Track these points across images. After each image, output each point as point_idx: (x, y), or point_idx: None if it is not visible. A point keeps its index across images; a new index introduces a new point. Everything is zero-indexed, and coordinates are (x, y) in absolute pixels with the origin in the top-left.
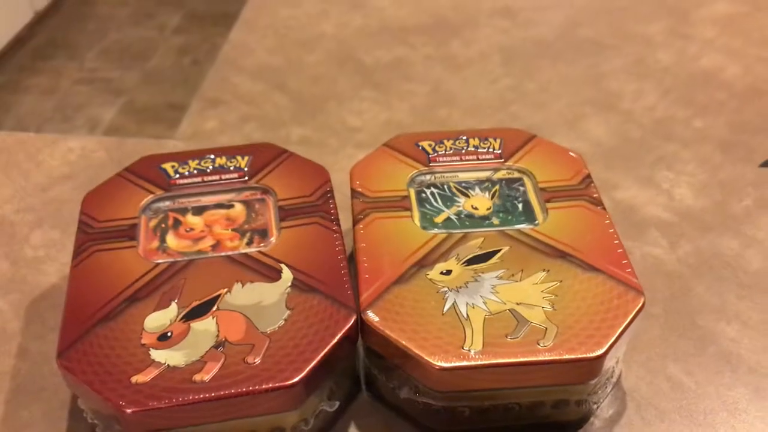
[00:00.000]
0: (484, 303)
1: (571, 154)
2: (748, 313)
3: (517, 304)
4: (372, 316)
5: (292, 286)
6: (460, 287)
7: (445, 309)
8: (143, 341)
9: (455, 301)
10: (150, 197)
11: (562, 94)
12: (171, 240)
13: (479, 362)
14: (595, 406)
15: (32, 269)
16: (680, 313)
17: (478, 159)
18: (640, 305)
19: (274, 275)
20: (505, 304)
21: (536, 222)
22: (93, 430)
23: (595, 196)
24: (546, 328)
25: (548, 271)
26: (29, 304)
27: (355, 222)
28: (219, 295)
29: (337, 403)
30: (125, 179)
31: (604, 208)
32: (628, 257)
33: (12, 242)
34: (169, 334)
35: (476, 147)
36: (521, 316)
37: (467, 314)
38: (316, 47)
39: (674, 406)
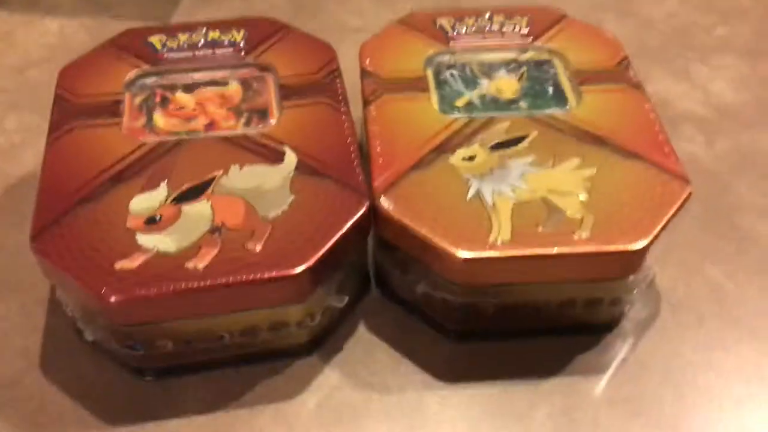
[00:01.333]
0: (513, 191)
1: (606, 35)
2: None
3: (549, 191)
4: (387, 202)
5: (297, 169)
6: (485, 174)
7: (469, 196)
8: (129, 224)
9: (480, 188)
10: (135, 71)
11: None
12: (159, 118)
13: (507, 253)
14: (628, 307)
15: (7, 156)
16: (719, 212)
17: (503, 38)
18: (686, 195)
19: (276, 157)
20: (535, 192)
21: (568, 106)
22: (74, 325)
23: (634, 80)
24: (582, 218)
25: (583, 157)
26: (4, 193)
27: (365, 103)
28: (214, 178)
29: (346, 298)
30: (108, 52)
31: (644, 92)
32: (671, 144)
33: None
34: (158, 217)
35: (501, 25)
36: (554, 204)
37: (494, 202)
38: None
39: (712, 310)
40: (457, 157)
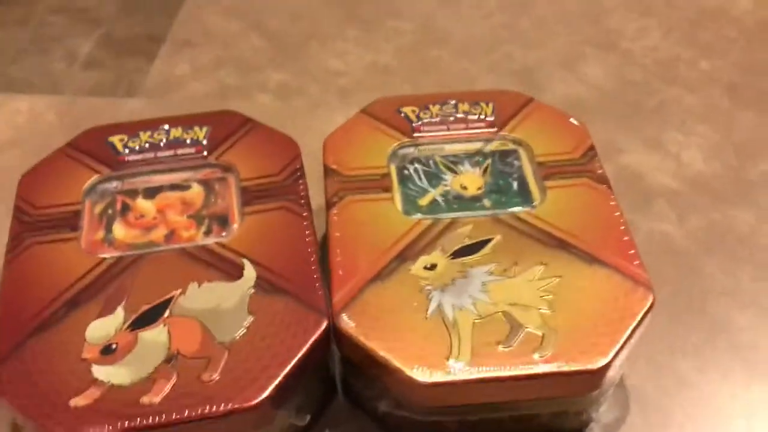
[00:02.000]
0: (473, 304)
1: (572, 121)
2: (765, 298)
3: (511, 305)
4: (346, 321)
5: (255, 285)
6: (447, 285)
7: (430, 312)
8: (84, 355)
9: (440, 302)
10: (95, 177)
11: (559, 31)
12: (118, 229)
13: (467, 377)
14: (594, 413)
15: None
16: (689, 297)
17: (467, 128)
18: (648, 305)
19: (234, 272)
20: (496, 305)
21: (533, 204)
22: None
23: (599, 172)
24: (543, 335)
25: (546, 264)
26: None
27: (328, 206)
28: (172, 298)
29: (308, 417)
30: (68, 156)
31: (610, 187)
32: (636, 246)
33: None
34: (113, 346)
35: (466, 113)
36: (515, 319)
37: (454, 318)
38: None
39: (683, 410)
40: (418, 266)
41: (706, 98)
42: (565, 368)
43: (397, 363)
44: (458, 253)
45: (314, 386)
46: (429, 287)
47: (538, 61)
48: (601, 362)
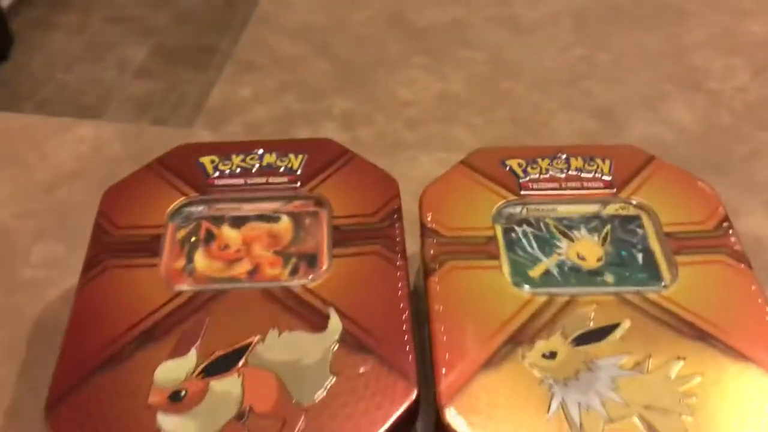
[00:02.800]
0: (603, 404)
1: (701, 184)
2: None
3: (646, 408)
4: (455, 417)
5: (340, 340)
6: (569, 378)
7: (551, 411)
8: (151, 399)
9: (563, 400)
10: (182, 199)
11: (639, 68)
12: (200, 260)
13: None
14: None
15: (30, 295)
16: None
17: (582, 187)
18: None
19: (319, 322)
20: (630, 407)
21: (663, 283)
22: None
23: (737, 248)
24: None
25: (685, 359)
26: (24, 342)
27: (427, 272)
28: (249, 344)
29: None
30: (155, 173)
31: (750, 266)
32: None
33: (9, 257)
34: (182, 393)
35: (579, 170)
36: (653, 426)
37: (580, 421)
38: (364, 4)
39: None
40: (535, 353)
41: None
42: None
43: None
44: (581, 340)
45: None
46: (549, 380)
47: (618, 99)
48: None
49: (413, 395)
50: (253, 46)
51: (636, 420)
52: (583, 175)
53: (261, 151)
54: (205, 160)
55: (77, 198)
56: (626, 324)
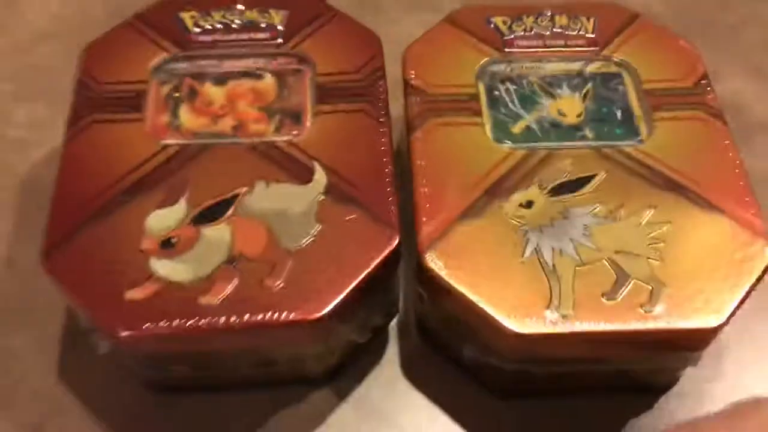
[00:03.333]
0: (575, 249)
1: (682, 43)
2: None
3: (616, 252)
4: (435, 260)
5: (326, 192)
6: (544, 226)
7: (526, 254)
8: (143, 246)
9: (538, 245)
10: (163, 56)
11: None
12: (185, 115)
13: (568, 329)
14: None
15: (17, 155)
16: None
17: (566, 45)
18: None
19: (304, 175)
20: (601, 251)
21: (640, 137)
22: (89, 335)
23: (714, 105)
24: (652, 288)
25: (656, 207)
26: (16, 200)
27: (409, 129)
28: (237, 195)
29: (370, 334)
30: (135, 29)
31: (725, 123)
32: (753, 192)
33: None
34: (173, 240)
35: (564, 28)
36: (621, 269)
37: (553, 263)
38: None
39: None
40: (512, 203)
41: None
42: (677, 326)
43: (490, 311)
44: (557, 190)
45: (378, 304)
46: (525, 227)
47: None
48: (716, 321)
49: (395, 241)
50: None
51: (605, 263)
52: (568, 32)
53: (242, 6)
54: (185, 15)
55: (56, 60)
56: (601, 175)
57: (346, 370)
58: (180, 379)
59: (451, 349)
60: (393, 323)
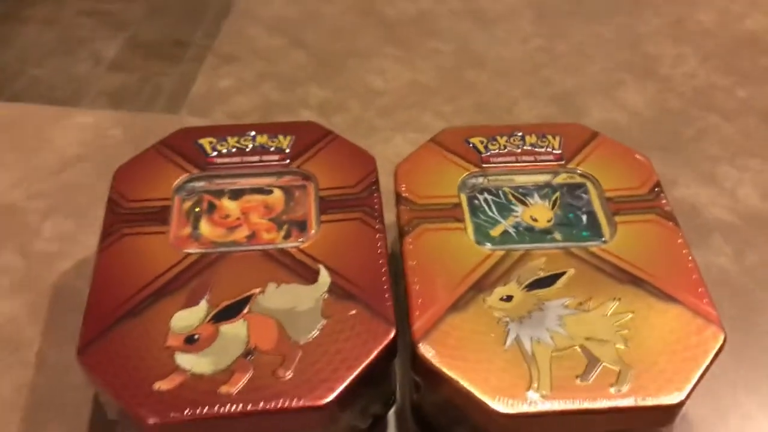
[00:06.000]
0: (551, 337)
1: (637, 156)
2: None
3: (587, 339)
4: (427, 349)
5: (329, 291)
6: (523, 317)
7: (507, 343)
8: (168, 343)
9: (518, 334)
10: (185, 176)
11: (596, 57)
12: (204, 227)
13: (547, 408)
14: None
15: (46, 266)
16: (749, 335)
17: (536, 160)
18: (720, 343)
19: (310, 276)
20: (573, 339)
21: (603, 238)
22: (114, 429)
23: (667, 209)
24: (619, 370)
25: (620, 299)
26: (45, 306)
27: (402, 234)
28: (251, 296)
29: (371, 420)
30: (160, 154)
31: (677, 224)
32: (705, 284)
33: (23, 233)
34: (196, 336)
35: (533, 145)
36: (592, 354)
37: (532, 351)
38: None
39: None
40: (494, 298)
41: (742, 126)
42: (643, 403)
43: (478, 394)
44: (533, 286)
45: (377, 392)
46: (506, 319)
47: (576, 86)
48: (678, 398)
49: (392, 333)
50: (232, 39)
51: (577, 349)
52: (536, 149)
53: (253, 133)
54: (204, 141)
55: (83, 179)
56: (571, 272)
57: None
58: None
59: (443, 429)
60: (391, 412)
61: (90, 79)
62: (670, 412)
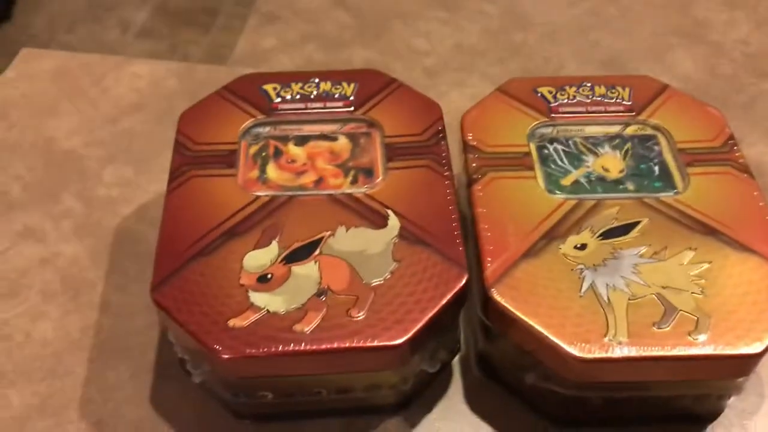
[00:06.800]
0: (626, 285)
1: (710, 109)
2: None
3: (663, 287)
4: (500, 295)
5: (399, 235)
6: (598, 265)
7: (583, 290)
8: (242, 281)
9: (593, 282)
10: (250, 121)
11: (645, 21)
12: (272, 171)
13: (625, 355)
14: (733, 398)
15: (107, 211)
16: None
17: (605, 111)
18: None
19: (379, 221)
20: (649, 287)
21: (676, 190)
22: (182, 364)
23: (741, 161)
24: (697, 318)
25: (696, 249)
26: (107, 250)
27: (470, 182)
28: (322, 238)
29: (439, 365)
30: (224, 99)
31: (752, 176)
32: None
33: (84, 179)
34: (269, 276)
35: (603, 96)
36: (669, 302)
37: (608, 297)
38: None
39: None
40: (568, 246)
41: None
42: (722, 352)
43: (554, 338)
44: (607, 234)
45: (446, 338)
46: (581, 266)
47: (625, 50)
48: (759, 348)
49: (464, 278)
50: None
51: (654, 297)
52: (606, 100)
53: (317, 80)
54: (268, 87)
55: (140, 128)
56: (645, 222)
57: (416, 401)
58: (265, 406)
59: (512, 379)
60: (455, 360)
61: (119, 46)
62: (748, 362)
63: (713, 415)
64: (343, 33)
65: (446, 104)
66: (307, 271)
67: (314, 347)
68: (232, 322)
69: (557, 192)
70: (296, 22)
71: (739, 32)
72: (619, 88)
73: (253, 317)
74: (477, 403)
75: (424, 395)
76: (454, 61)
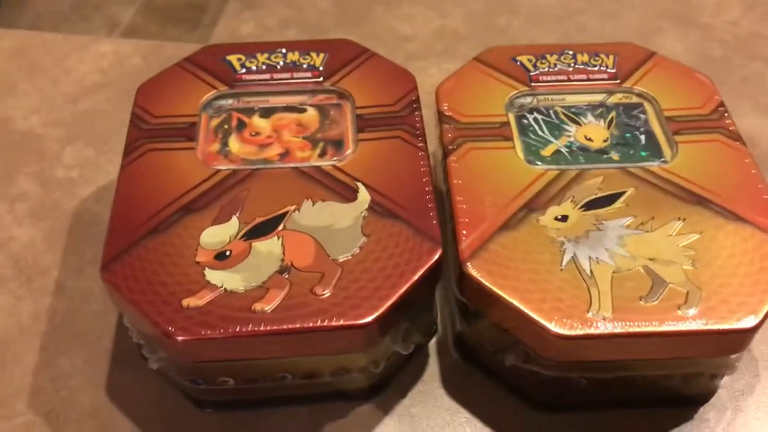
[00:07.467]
0: (611, 257)
1: (698, 76)
2: None
3: (650, 259)
4: (476, 270)
5: (369, 209)
6: (580, 237)
7: (564, 263)
8: (198, 259)
9: (575, 254)
10: (212, 93)
11: (634, 3)
12: (234, 144)
13: (609, 331)
14: (726, 378)
15: (65, 192)
16: None
17: (588, 79)
18: None
19: (348, 194)
20: (635, 259)
21: (663, 159)
22: (139, 350)
23: (732, 129)
24: (687, 292)
25: (684, 219)
26: (64, 233)
27: (445, 153)
28: (286, 213)
29: (413, 346)
30: (185, 70)
31: (744, 144)
32: None
33: (42, 160)
34: (227, 252)
35: (585, 64)
36: (656, 275)
37: (591, 271)
38: None
39: None
40: (548, 217)
41: None
42: (714, 326)
43: (533, 314)
44: (590, 205)
45: (420, 320)
46: (561, 239)
47: (613, 33)
48: (752, 322)
49: (438, 252)
50: None
51: (641, 269)
52: (589, 68)
53: (284, 50)
54: (232, 58)
55: (103, 107)
56: (631, 191)
57: (389, 386)
58: (226, 393)
59: (491, 361)
60: (432, 343)
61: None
62: (741, 337)
63: (705, 396)
64: (323, 18)
65: (425, 79)
66: (269, 247)
67: (275, 327)
68: (186, 302)
69: (537, 163)
70: (276, 7)
71: (729, 14)
72: (603, 56)
73: (210, 296)
74: (454, 388)
75: (397, 380)
76: (437, 45)
